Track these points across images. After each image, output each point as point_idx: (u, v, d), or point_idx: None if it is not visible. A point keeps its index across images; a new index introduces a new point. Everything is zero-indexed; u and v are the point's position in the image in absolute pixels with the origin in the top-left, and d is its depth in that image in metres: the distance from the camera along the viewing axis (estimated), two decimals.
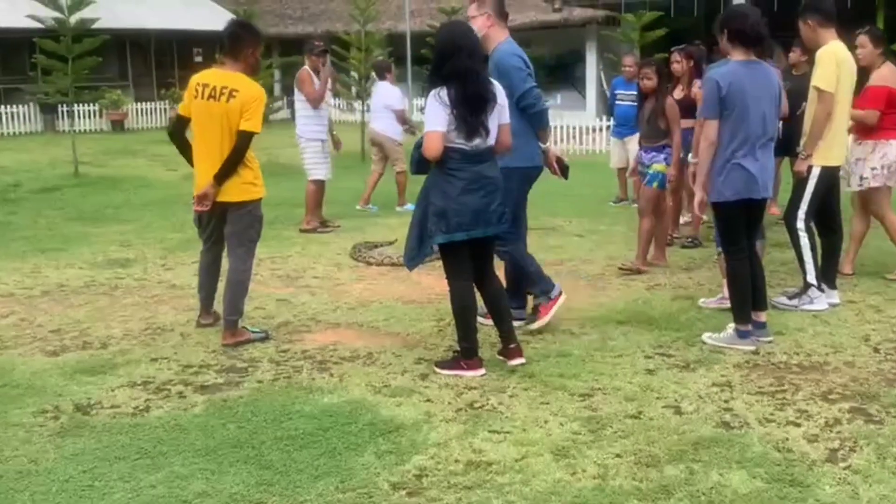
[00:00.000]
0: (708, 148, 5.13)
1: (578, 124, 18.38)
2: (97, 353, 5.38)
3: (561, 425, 4.18)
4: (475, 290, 4.96)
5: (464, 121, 4.63)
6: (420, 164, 4.88)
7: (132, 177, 14.47)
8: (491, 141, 4.77)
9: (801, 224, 6.01)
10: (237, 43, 5.37)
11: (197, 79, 5.42)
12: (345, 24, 25.38)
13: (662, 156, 7.28)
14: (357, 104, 18.17)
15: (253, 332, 5.59)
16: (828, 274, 6.18)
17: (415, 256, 4.91)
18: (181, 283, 7.12)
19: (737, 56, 5.15)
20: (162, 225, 9.86)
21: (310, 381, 4.84)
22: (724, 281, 6.31)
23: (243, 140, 5.29)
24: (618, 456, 3.84)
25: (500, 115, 4.83)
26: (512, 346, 5.01)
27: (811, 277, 6.04)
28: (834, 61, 5.75)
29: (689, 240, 8.21)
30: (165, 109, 25.88)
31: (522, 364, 4.94)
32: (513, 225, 5.27)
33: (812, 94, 5.85)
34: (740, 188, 5.14)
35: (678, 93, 7.96)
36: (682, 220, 8.96)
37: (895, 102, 6.51)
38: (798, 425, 4.15)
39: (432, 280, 7.03)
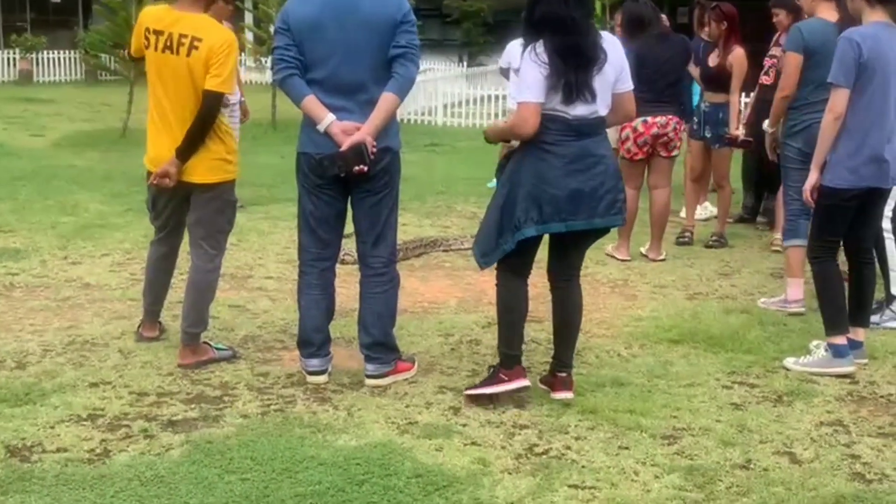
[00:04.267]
0: (833, 122, 4.88)
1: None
2: (14, 374, 4.81)
3: (657, 478, 3.86)
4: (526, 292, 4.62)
5: (562, 79, 4.24)
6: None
7: None
8: (600, 110, 4.38)
9: (886, 223, 5.81)
10: None
11: (146, 22, 4.81)
12: None
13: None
14: (267, 60, 17.55)
15: (217, 348, 5.12)
16: None
17: (490, 251, 4.50)
18: (97, 281, 6.55)
19: (874, 17, 4.92)
20: (46, 205, 9.17)
21: (311, 415, 4.40)
22: (789, 280, 6.13)
23: (211, 102, 4.77)
24: None
25: (619, 79, 4.42)
26: (563, 374, 4.65)
27: None
28: None
29: (715, 238, 8.01)
30: (14, 59, 24.69)
31: (570, 399, 4.60)
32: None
33: None
34: (867, 174, 4.93)
35: (713, 59, 7.73)
36: (701, 213, 8.77)
37: None
38: None
39: (416, 283, 6.66)
